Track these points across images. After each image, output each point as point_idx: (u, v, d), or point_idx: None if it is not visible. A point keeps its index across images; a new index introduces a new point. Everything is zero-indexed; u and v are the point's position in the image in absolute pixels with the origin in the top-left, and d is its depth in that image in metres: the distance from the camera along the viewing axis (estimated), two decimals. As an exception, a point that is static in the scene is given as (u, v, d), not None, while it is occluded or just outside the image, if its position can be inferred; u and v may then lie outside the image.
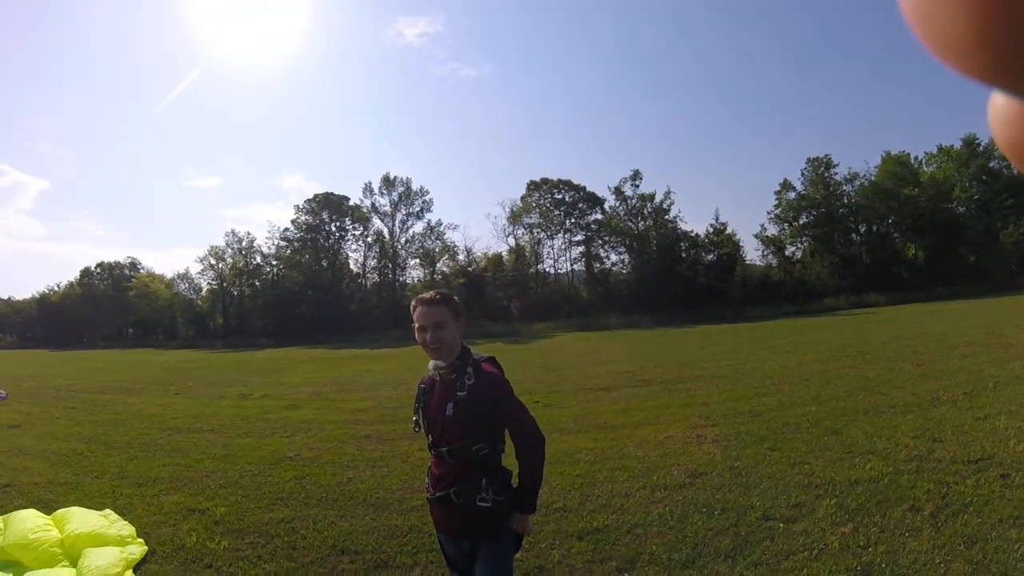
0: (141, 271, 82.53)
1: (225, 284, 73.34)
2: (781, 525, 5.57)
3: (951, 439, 7.78)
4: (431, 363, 3.27)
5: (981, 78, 0.28)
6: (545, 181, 66.26)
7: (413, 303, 3.24)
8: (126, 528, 6.15)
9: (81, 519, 6.06)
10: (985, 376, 11.65)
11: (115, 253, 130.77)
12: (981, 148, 57.14)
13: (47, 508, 6.51)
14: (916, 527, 5.29)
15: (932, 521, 5.37)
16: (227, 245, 72.35)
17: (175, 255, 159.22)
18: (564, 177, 66.53)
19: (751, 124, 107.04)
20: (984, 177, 55.93)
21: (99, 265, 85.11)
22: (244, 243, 72.01)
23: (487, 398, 3.12)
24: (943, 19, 0.27)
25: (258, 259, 72.49)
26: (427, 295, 3.23)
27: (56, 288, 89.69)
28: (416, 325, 3.17)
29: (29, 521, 5.79)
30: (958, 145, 58.45)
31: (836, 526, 5.45)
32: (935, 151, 60.48)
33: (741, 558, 5.00)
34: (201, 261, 73.70)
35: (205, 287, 76.61)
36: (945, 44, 0.28)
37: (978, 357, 14.09)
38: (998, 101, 0.31)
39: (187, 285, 78.24)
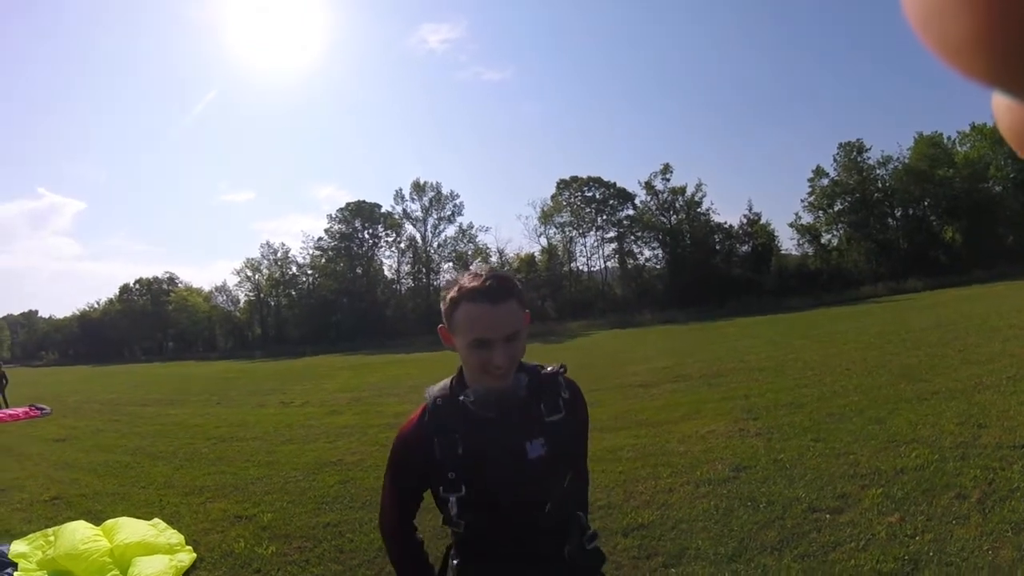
0: (179, 285, 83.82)
1: (262, 295, 74.44)
2: (827, 516, 5.51)
3: (996, 424, 7.63)
4: (437, 386, 2.14)
5: (984, 81, 0.28)
6: (575, 179, 66.33)
7: (453, 294, 1.93)
8: (175, 536, 6.24)
9: (130, 529, 6.16)
10: (1030, 359, 11.35)
11: (153, 269, 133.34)
12: (1015, 124, 55.96)
13: (96, 519, 6.64)
14: (963, 514, 5.19)
15: (979, 508, 5.27)
16: (263, 257, 73.70)
17: (212, 269, 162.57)
18: (594, 174, 66.62)
19: (780, 112, 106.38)
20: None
21: (137, 281, 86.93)
22: (279, 254, 73.28)
23: (578, 426, 2.14)
24: (947, 24, 0.27)
25: (294, 269, 73.66)
26: (481, 282, 1.89)
27: (96, 305, 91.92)
28: (469, 339, 1.89)
29: (79, 532, 5.89)
30: (991, 123, 57.09)
31: (883, 516, 5.37)
32: (968, 130, 59.02)
33: (788, 550, 4.95)
34: (238, 273, 75.32)
35: (243, 299, 78.05)
36: (948, 48, 0.28)
37: (1021, 340, 13.81)
38: (1001, 102, 0.32)
39: (225, 297, 79.68)
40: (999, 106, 0.32)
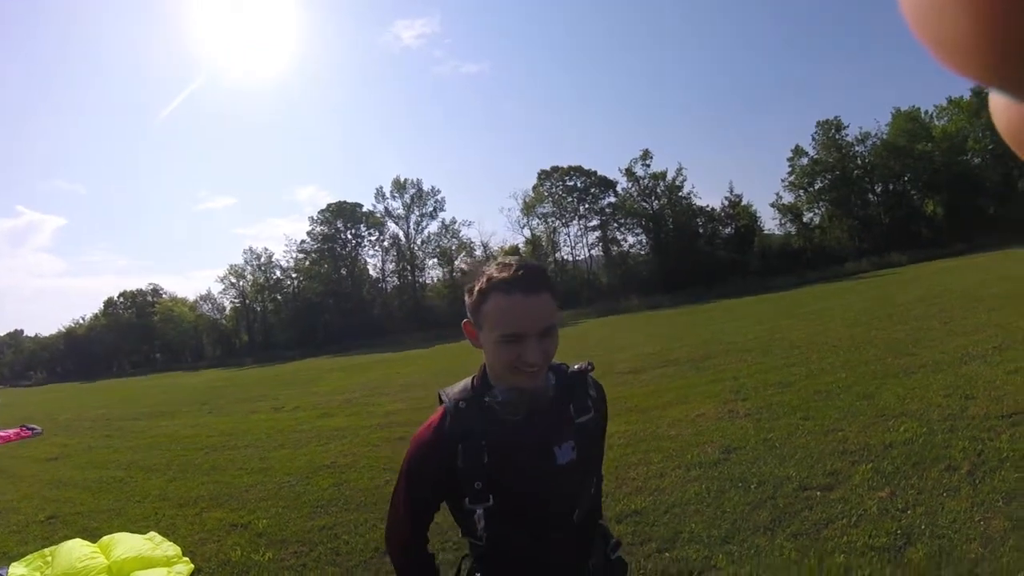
0: (164, 296, 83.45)
1: (247, 301, 74.28)
2: (818, 494, 5.57)
3: (984, 395, 7.70)
4: (456, 388, 1.94)
5: (982, 80, 0.28)
6: (556, 169, 66.35)
7: (481, 285, 1.77)
8: (171, 548, 6.25)
9: (127, 544, 6.17)
10: (1014, 329, 11.49)
11: (136, 282, 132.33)
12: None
13: (92, 536, 6.63)
14: (953, 486, 5.25)
15: (969, 479, 5.34)
16: (246, 263, 73.46)
17: (196, 278, 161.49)
18: (574, 163, 66.76)
19: (757, 93, 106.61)
20: (997, 126, 55.32)
21: (122, 294, 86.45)
22: (263, 259, 73.03)
23: (603, 427, 2.07)
24: (943, 23, 0.27)
25: (278, 273, 73.55)
26: (512, 272, 1.74)
27: (81, 321, 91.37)
28: (498, 333, 1.74)
29: (76, 551, 5.90)
30: (968, 96, 57.76)
31: (873, 491, 5.43)
32: (945, 103, 59.58)
33: (780, 530, 5.00)
34: (222, 281, 75.05)
35: (228, 306, 77.88)
36: (945, 47, 0.28)
37: (1005, 310, 13.91)
38: (998, 100, 0.32)
39: (210, 306, 79.43)
40: (996, 104, 0.33)
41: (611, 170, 69.84)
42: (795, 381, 10.32)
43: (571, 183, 66.03)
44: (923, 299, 19.44)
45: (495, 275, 1.74)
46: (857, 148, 60.39)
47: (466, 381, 1.93)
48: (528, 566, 1.90)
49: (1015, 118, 0.32)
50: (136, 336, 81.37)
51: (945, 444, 6.24)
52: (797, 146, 62.14)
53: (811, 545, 4.70)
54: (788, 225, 62.51)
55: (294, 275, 72.72)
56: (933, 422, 6.98)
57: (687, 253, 57.36)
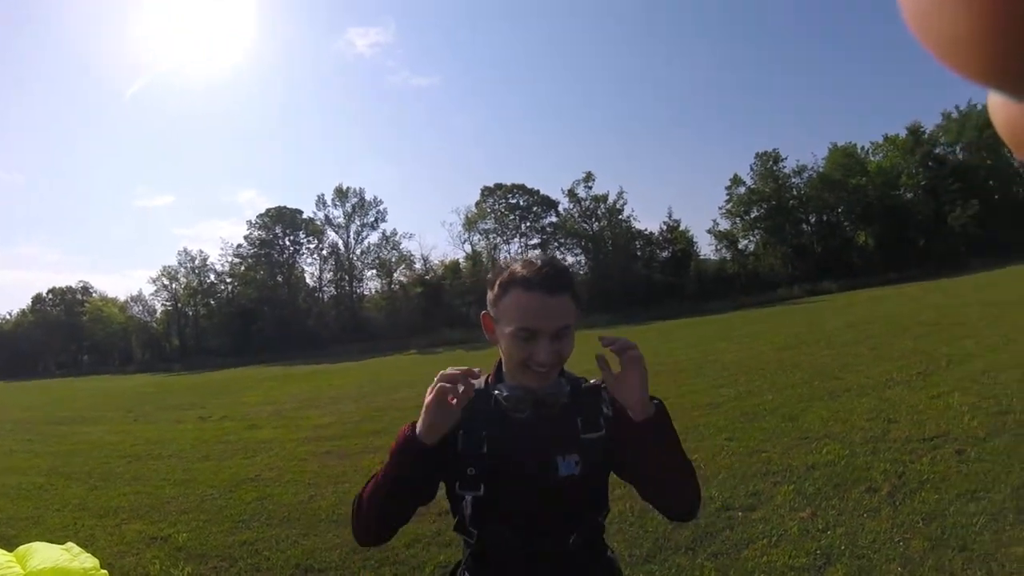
0: (94, 295, 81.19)
1: (179, 304, 72.58)
2: (740, 514, 5.61)
3: (906, 419, 7.92)
4: (478, 380, 1.84)
5: (981, 81, 0.28)
6: (499, 186, 66.57)
7: (504, 278, 1.78)
8: (89, 560, 6.05)
9: (44, 554, 5.95)
10: (938, 355, 11.88)
11: (69, 278, 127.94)
12: (926, 135, 59.26)
13: (9, 544, 6.36)
14: (874, 507, 5.35)
15: (890, 500, 5.44)
16: (180, 264, 71.69)
17: (132, 277, 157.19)
18: (518, 181, 67.27)
19: (699, 123, 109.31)
20: (930, 163, 57.66)
21: (51, 291, 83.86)
22: (197, 261, 71.36)
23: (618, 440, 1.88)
24: (944, 22, 0.27)
25: (212, 277, 71.97)
26: (536, 269, 1.75)
27: (8, 317, 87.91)
28: (514, 327, 1.73)
29: (-8, 559, 5.73)
30: (903, 134, 60.01)
31: (794, 511, 5.49)
32: (881, 140, 62.39)
33: (701, 549, 5.02)
34: (154, 282, 73.00)
35: (159, 308, 75.75)
36: (946, 47, 0.28)
37: (931, 337, 14.42)
38: (997, 101, 0.33)
39: (141, 307, 77.27)
40: (994, 104, 0.33)
41: (554, 190, 70.39)
42: (723, 402, 10.46)
43: (514, 201, 66.40)
44: (852, 325, 20.01)
45: (518, 270, 1.75)
46: (793, 180, 62.71)
47: (483, 371, 1.91)
48: (515, 574, 1.82)
49: (1013, 117, 0.32)
50: (64, 335, 78.87)
51: (867, 466, 6.37)
52: (735, 175, 64.33)
53: (731, 565, 4.73)
54: (724, 251, 64.42)
55: (229, 280, 71.35)
56: (855, 444, 7.13)
57: (625, 275, 58.19)
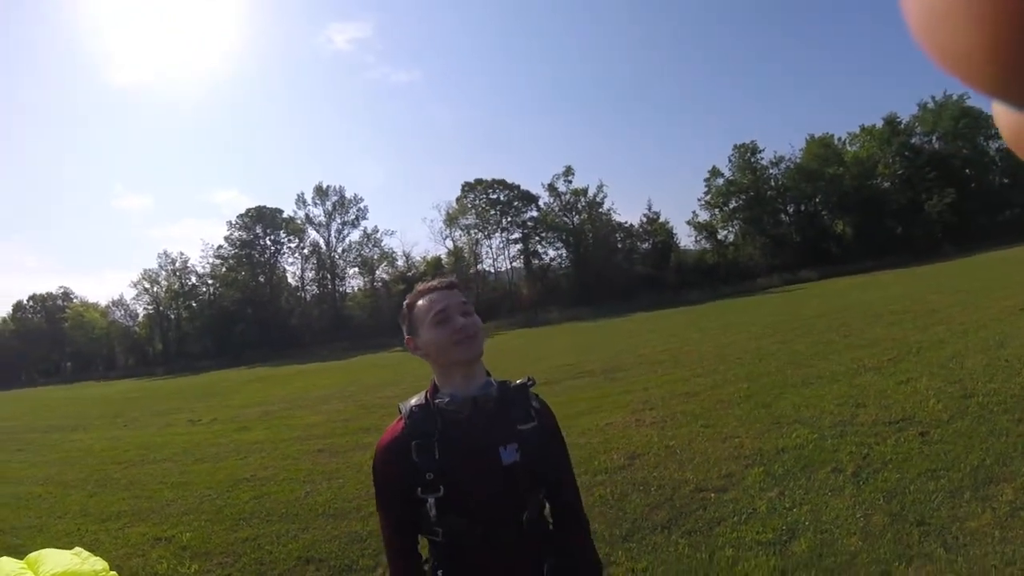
0: (75, 300, 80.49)
1: (161, 308, 72.09)
2: (712, 495, 5.88)
3: (874, 403, 8.18)
4: (413, 399, 2.12)
5: (989, 92, 0.28)
6: (479, 182, 66.84)
7: (409, 300, 2.15)
8: (99, 563, 6.23)
9: (54, 559, 6.14)
10: (909, 342, 12.17)
11: (48, 282, 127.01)
12: (902, 125, 60.04)
13: (17, 553, 6.53)
14: (838, 486, 5.60)
15: (854, 480, 5.70)
16: (160, 267, 71.26)
17: (109, 279, 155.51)
18: (498, 177, 67.47)
19: (678, 115, 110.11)
20: (907, 153, 58.38)
21: (31, 298, 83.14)
22: (178, 264, 70.96)
23: (550, 437, 2.17)
24: (953, 36, 0.27)
25: (193, 279, 71.60)
26: (428, 283, 2.15)
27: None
28: (431, 316, 2.04)
29: (5, 567, 5.90)
30: (880, 124, 60.67)
31: (763, 491, 5.76)
32: (858, 131, 63.13)
33: (676, 528, 5.29)
34: (135, 286, 72.53)
35: (141, 312, 75.24)
36: (953, 59, 0.28)
37: (903, 324, 14.71)
38: (1002, 111, 0.32)
39: (123, 312, 76.86)
40: (1000, 114, 0.33)
41: (534, 185, 71.07)
42: (700, 391, 10.71)
43: (494, 196, 66.68)
44: (826, 314, 20.34)
45: (418, 288, 2.16)
46: (771, 171, 63.28)
47: (421, 392, 2.14)
48: (479, 563, 2.02)
49: (1019, 127, 0.32)
50: (46, 343, 78.21)
51: (834, 448, 6.63)
52: (714, 167, 64.95)
53: (703, 541, 4.98)
54: (703, 242, 64.93)
55: (210, 282, 71.12)
56: (824, 428, 7.39)
57: (606, 267, 58.60)
